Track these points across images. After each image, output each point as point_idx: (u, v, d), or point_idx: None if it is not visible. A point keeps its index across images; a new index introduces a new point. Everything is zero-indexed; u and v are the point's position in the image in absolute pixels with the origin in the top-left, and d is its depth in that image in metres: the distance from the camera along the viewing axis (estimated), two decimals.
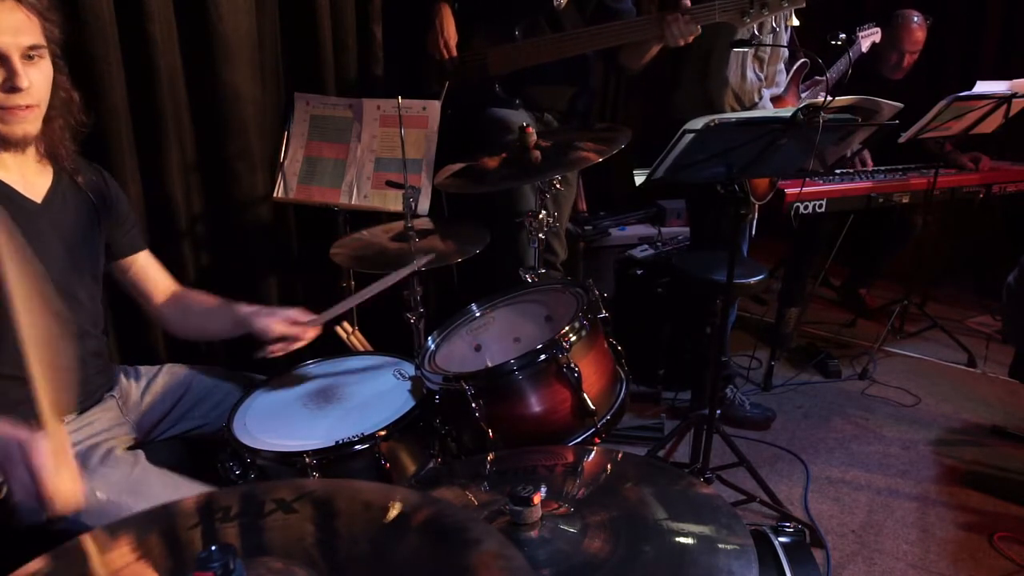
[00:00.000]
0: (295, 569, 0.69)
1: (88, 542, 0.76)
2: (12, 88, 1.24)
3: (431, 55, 2.42)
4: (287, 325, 1.53)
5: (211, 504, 0.85)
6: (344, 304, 1.62)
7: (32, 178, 1.39)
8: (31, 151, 1.37)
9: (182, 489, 1.35)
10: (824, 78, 2.84)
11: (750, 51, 2.44)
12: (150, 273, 1.63)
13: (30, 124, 1.31)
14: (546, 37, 2.34)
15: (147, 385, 1.64)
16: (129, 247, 1.60)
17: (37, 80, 1.28)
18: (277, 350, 1.55)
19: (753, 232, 2.80)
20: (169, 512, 0.84)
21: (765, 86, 2.61)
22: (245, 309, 1.56)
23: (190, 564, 0.63)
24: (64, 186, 1.44)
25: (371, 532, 0.77)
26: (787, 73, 2.77)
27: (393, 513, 0.79)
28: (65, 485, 0.98)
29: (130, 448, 1.49)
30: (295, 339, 1.54)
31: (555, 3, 2.35)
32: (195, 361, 1.76)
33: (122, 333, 2.16)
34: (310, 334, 1.56)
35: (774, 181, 2.78)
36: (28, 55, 1.26)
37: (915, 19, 3.21)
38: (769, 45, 2.57)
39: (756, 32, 2.15)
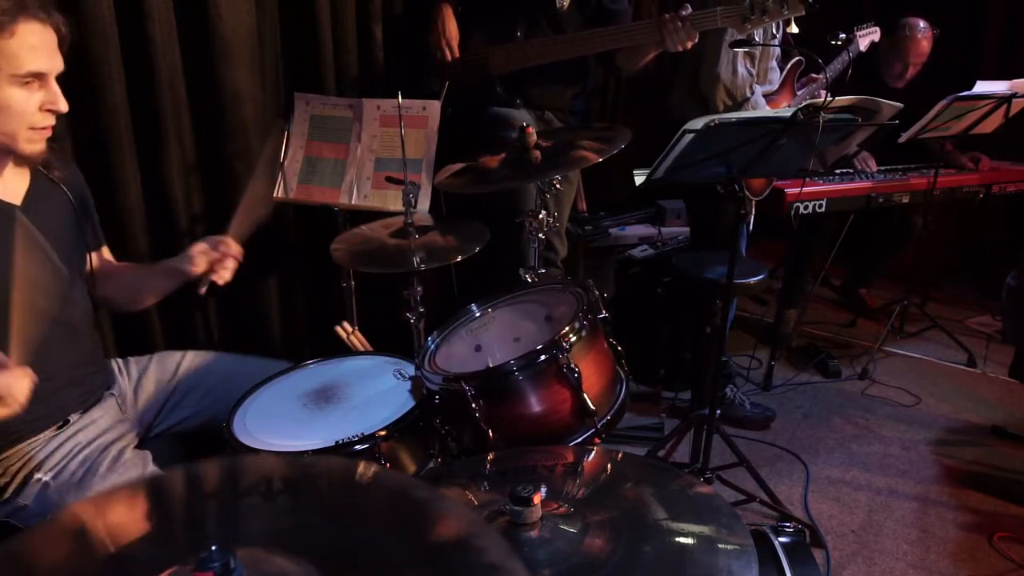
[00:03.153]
0: (277, 558, 0.68)
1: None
2: (52, 111, 1.27)
3: (433, 55, 2.42)
4: (208, 252, 1.56)
5: (193, 480, 0.83)
6: (240, 218, 1.65)
7: (10, 181, 1.38)
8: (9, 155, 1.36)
9: None
10: (821, 76, 2.85)
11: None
12: (107, 263, 1.65)
13: (45, 142, 1.32)
14: (547, 38, 2.35)
15: (139, 378, 1.64)
16: (98, 240, 1.61)
17: None
18: (217, 278, 1.58)
19: (751, 229, 2.80)
20: (152, 485, 0.84)
21: (757, 82, 2.61)
22: (169, 263, 1.59)
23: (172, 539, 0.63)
24: (43, 186, 1.43)
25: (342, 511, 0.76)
26: (781, 71, 2.77)
27: (365, 479, 0.78)
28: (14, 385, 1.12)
29: (136, 447, 1.49)
30: (223, 261, 1.57)
31: (557, 4, 2.35)
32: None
33: (119, 330, 2.16)
34: (233, 251, 1.59)
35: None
36: (56, 77, 1.28)
37: (921, 30, 3.20)
38: (768, 45, 2.58)
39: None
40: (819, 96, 2.79)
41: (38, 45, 1.22)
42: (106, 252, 1.66)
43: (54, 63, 1.26)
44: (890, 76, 3.30)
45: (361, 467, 0.81)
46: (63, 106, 1.28)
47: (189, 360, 1.71)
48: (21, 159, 1.35)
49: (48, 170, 1.43)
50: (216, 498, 0.77)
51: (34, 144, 1.29)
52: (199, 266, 1.55)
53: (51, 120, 1.29)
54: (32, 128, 1.27)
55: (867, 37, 3.14)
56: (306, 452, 1.33)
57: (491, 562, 0.63)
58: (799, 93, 2.84)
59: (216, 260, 1.56)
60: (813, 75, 2.92)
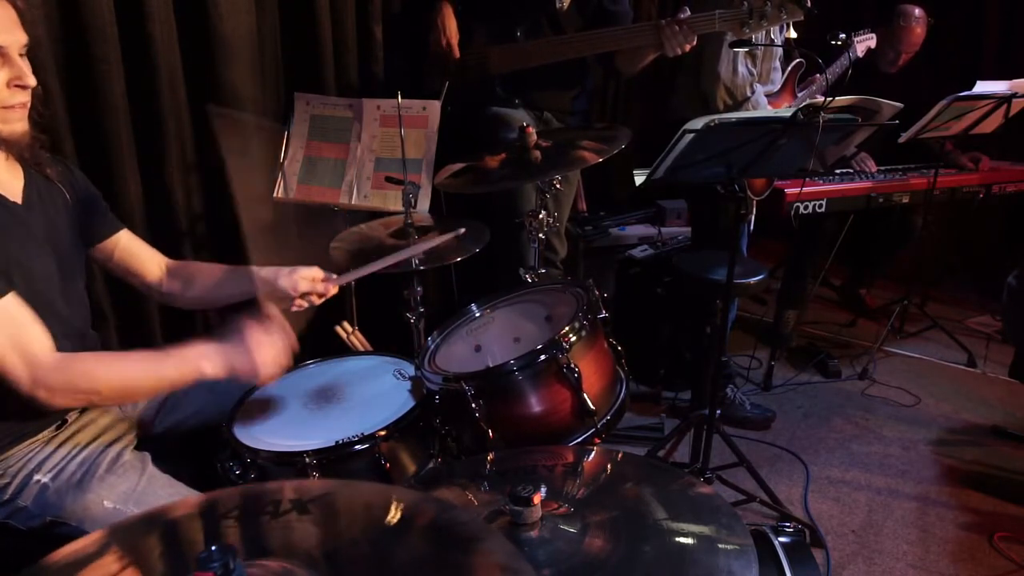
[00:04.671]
0: (296, 570, 0.69)
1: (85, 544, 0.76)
2: (19, 86, 1.24)
3: (433, 54, 2.42)
4: (310, 283, 1.56)
5: (212, 505, 0.84)
6: (361, 271, 1.64)
7: (6, 179, 1.35)
8: (0, 152, 1.33)
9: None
10: (821, 77, 2.85)
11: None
12: (135, 250, 1.61)
13: (24, 122, 1.30)
14: (547, 39, 2.35)
15: None
16: (108, 229, 1.57)
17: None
18: (300, 305, 1.57)
19: (751, 229, 2.80)
20: (170, 513, 0.84)
21: (758, 81, 2.61)
22: (264, 272, 1.56)
23: (191, 565, 0.63)
24: (38, 183, 1.41)
25: (373, 534, 0.77)
26: (783, 72, 2.77)
27: (396, 515, 0.79)
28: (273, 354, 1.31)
29: (136, 447, 1.49)
30: (318, 296, 1.58)
31: (557, 5, 2.35)
32: None
33: (122, 329, 2.16)
34: (331, 292, 1.60)
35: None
36: (21, 52, 1.26)
37: (915, 18, 3.20)
38: (767, 46, 2.57)
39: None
40: (819, 97, 2.80)
41: None
42: (125, 235, 1.61)
43: (14, 36, 1.23)
44: (883, 62, 3.29)
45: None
46: (30, 80, 1.25)
47: None
48: (10, 154, 1.33)
49: (40, 168, 1.41)
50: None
51: (9, 124, 1.27)
52: (299, 290, 1.55)
53: (21, 97, 1.26)
54: (3, 107, 1.24)
55: (863, 43, 3.15)
56: (306, 452, 1.33)
57: None
58: (800, 94, 2.84)
59: (314, 293, 1.57)
60: (814, 76, 2.91)
